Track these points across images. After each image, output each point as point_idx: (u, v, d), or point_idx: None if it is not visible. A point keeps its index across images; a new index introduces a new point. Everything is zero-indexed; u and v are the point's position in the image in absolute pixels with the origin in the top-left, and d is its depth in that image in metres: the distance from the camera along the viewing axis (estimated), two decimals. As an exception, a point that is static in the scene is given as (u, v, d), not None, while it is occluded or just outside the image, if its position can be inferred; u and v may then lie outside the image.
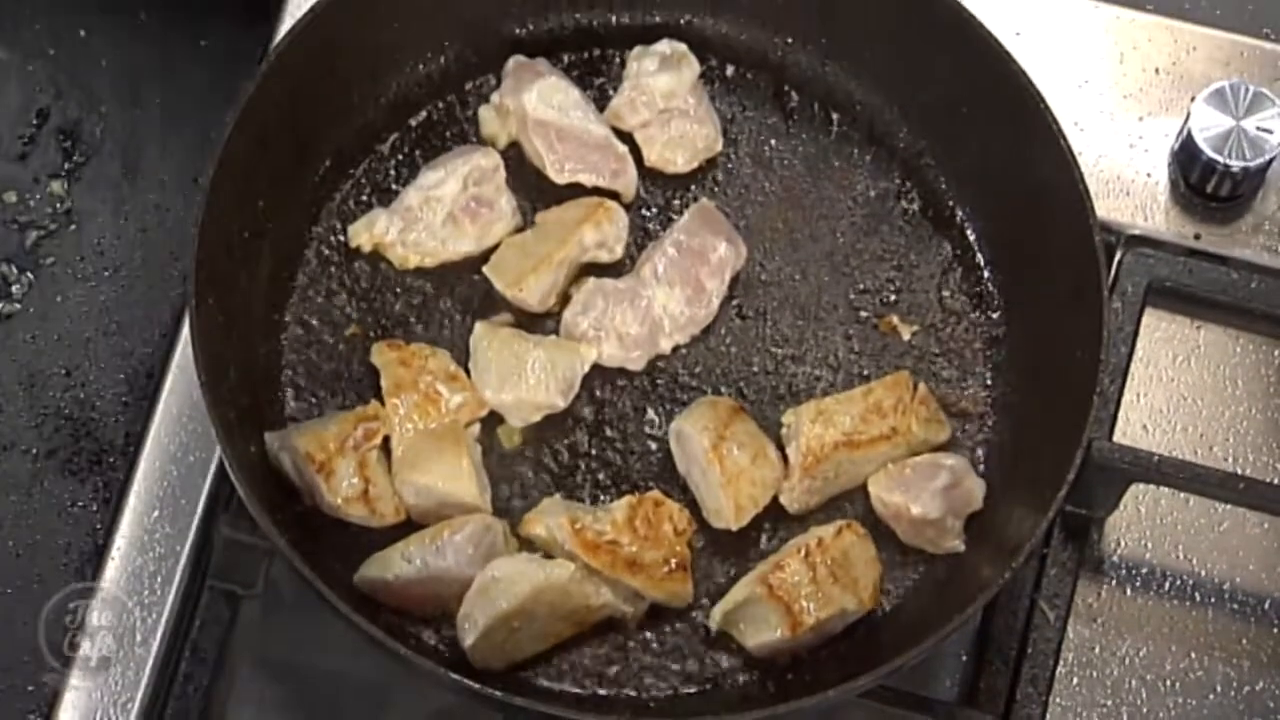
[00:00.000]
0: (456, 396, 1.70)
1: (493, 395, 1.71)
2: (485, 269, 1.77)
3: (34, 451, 1.82)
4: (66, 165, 1.92)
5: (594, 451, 1.73)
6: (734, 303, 1.79)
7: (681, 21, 1.86)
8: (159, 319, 1.86)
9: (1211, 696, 1.76)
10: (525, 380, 1.71)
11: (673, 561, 1.65)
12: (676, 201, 1.82)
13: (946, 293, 1.80)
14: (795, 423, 1.71)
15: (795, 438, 1.70)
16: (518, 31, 1.85)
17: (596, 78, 1.86)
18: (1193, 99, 1.86)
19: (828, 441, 1.69)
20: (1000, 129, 1.76)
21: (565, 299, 1.77)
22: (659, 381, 1.76)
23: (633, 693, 1.66)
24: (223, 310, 1.67)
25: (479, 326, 1.74)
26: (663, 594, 1.66)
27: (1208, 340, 1.86)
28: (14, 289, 1.87)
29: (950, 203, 1.82)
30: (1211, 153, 1.84)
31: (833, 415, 1.70)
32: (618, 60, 1.85)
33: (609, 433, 1.74)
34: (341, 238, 1.79)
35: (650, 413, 1.75)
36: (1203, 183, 1.87)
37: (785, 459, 1.70)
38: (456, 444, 1.68)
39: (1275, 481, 1.79)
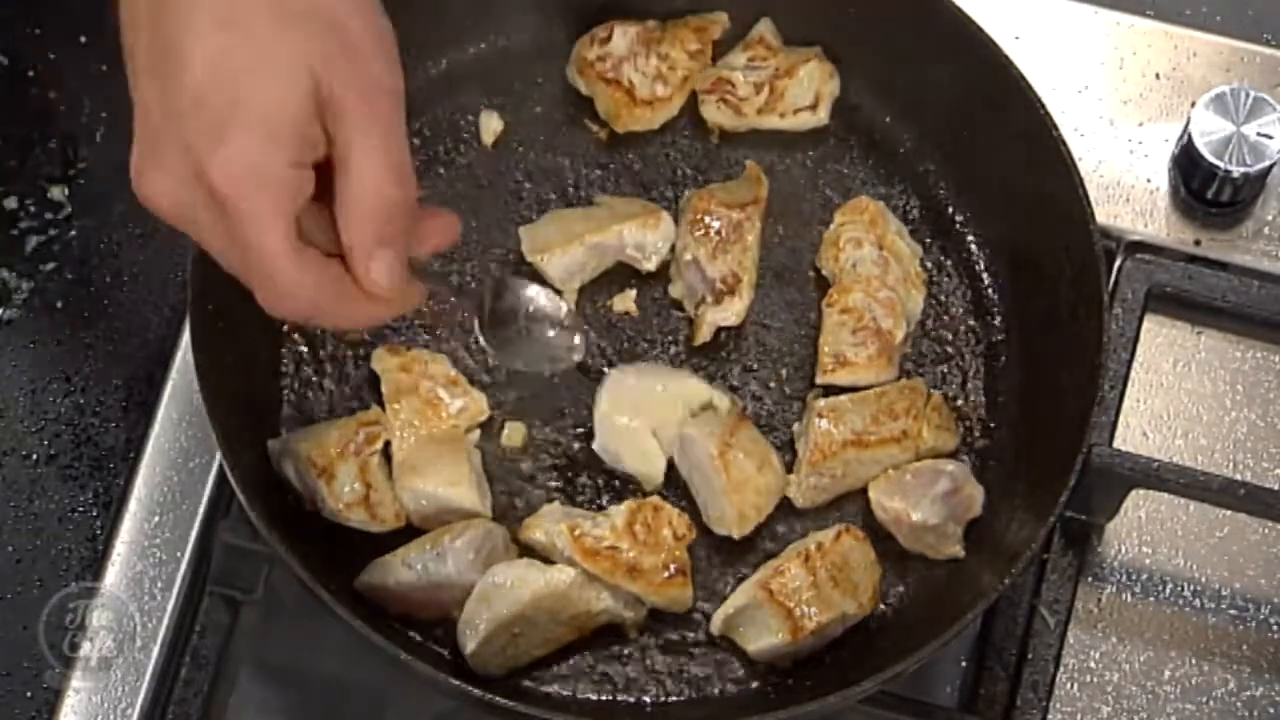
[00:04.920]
0: (457, 402, 1.70)
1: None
2: (521, 229, 1.77)
3: (34, 457, 1.82)
4: (67, 171, 1.91)
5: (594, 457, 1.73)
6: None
7: (680, 28, 1.87)
8: (159, 325, 1.86)
9: (1211, 702, 1.75)
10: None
11: (672, 567, 1.65)
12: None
13: (946, 299, 1.80)
14: (807, 417, 1.71)
15: (805, 432, 1.70)
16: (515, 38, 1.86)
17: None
18: (1193, 104, 1.86)
19: (836, 439, 1.69)
20: (999, 134, 1.76)
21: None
22: (659, 387, 1.76)
23: (633, 698, 1.66)
24: (222, 316, 1.67)
25: None
26: (662, 599, 1.66)
27: (1208, 346, 1.86)
28: (14, 295, 1.87)
29: (950, 209, 1.82)
30: (1212, 158, 1.84)
31: (845, 413, 1.69)
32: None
33: (609, 438, 1.74)
34: (342, 243, 1.79)
35: (650, 418, 1.75)
36: (1203, 188, 1.86)
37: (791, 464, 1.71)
38: (457, 449, 1.68)
39: (1276, 488, 1.79)
